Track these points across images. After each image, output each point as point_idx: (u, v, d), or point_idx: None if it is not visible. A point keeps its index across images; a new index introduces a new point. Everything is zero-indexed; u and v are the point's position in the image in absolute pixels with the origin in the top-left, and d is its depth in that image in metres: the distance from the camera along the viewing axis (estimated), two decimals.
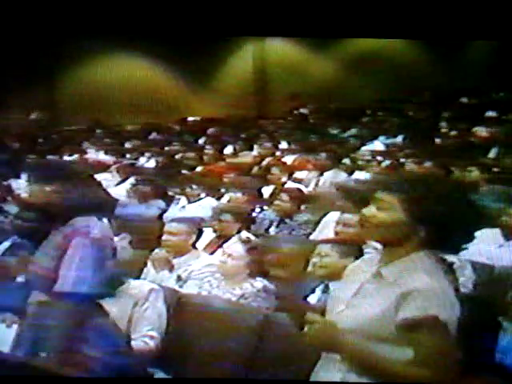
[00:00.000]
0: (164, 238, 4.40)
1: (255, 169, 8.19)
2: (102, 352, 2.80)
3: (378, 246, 2.32)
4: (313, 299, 3.74)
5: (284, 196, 5.66)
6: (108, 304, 3.32)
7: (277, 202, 5.65)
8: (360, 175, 7.18)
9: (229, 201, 6.12)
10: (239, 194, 5.98)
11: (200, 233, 4.53)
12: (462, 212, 2.16)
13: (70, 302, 2.74)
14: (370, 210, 2.18)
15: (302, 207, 5.87)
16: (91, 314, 2.82)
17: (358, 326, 2.11)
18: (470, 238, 2.21)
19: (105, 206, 2.98)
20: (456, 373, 2.09)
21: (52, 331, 2.74)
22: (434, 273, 2.12)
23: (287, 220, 5.52)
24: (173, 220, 4.62)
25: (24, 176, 6.27)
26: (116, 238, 3.10)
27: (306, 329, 2.14)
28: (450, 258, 3.84)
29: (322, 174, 7.39)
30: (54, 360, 2.68)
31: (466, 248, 2.23)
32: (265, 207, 5.85)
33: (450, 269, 2.25)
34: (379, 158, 8.10)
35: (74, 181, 2.92)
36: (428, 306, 2.04)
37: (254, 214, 5.64)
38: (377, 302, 2.12)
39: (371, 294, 2.16)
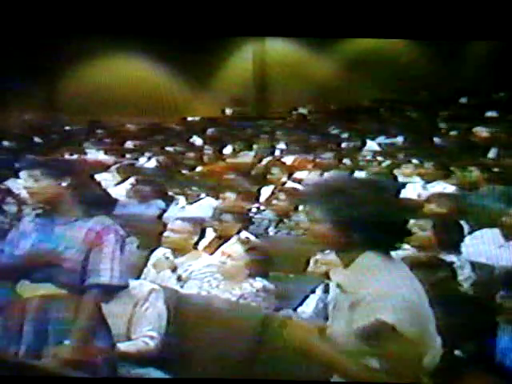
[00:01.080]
0: (166, 234, 4.41)
1: (255, 169, 8.18)
2: (107, 344, 2.90)
3: None
4: (312, 300, 3.74)
5: (281, 196, 5.65)
6: (108, 304, 3.34)
7: (274, 202, 5.64)
8: (360, 175, 7.18)
9: (228, 201, 6.12)
10: (239, 195, 5.97)
11: (203, 233, 4.54)
12: (383, 210, 2.14)
13: (107, 293, 2.90)
14: (306, 224, 2.24)
15: (300, 207, 5.86)
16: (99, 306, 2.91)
17: (337, 342, 2.11)
18: (403, 233, 2.20)
19: (107, 204, 3.08)
20: (429, 377, 2.06)
21: (67, 323, 2.80)
22: (378, 273, 2.09)
23: (286, 220, 5.51)
24: (178, 218, 4.62)
25: (29, 172, 6.27)
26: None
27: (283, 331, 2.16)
28: (450, 257, 3.87)
29: (322, 174, 7.38)
30: (70, 348, 2.73)
31: (401, 245, 2.21)
32: (262, 207, 5.84)
33: (398, 262, 2.22)
34: (379, 158, 8.10)
35: (81, 178, 3.03)
36: (371, 312, 2.00)
37: (252, 215, 5.63)
38: (341, 316, 2.12)
39: (338, 308, 2.17)
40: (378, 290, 2.04)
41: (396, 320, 1.97)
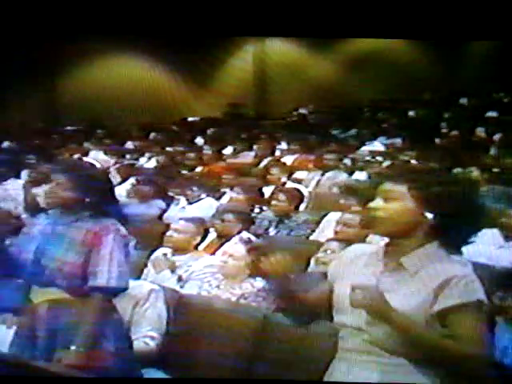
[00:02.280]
0: (168, 233, 4.41)
1: (255, 169, 8.18)
2: (120, 346, 2.86)
3: (381, 241, 2.32)
4: None
5: (281, 196, 5.65)
6: None
7: (274, 202, 5.64)
8: (360, 175, 7.18)
9: (229, 201, 6.12)
10: (239, 195, 5.98)
11: (206, 235, 4.54)
12: (468, 203, 2.19)
13: (107, 296, 2.83)
14: (378, 203, 2.19)
15: (301, 207, 5.86)
16: (110, 309, 2.88)
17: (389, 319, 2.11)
18: (474, 231, 2.23)
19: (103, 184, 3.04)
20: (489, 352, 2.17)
21: (73, 327, 2.77)
22: (456, 262, 2.16)
23: (286, 220, 5.51)
24: (182, 218, 4.62)
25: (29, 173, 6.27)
26: None
27: (351, 294, 2.13)
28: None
29: (323, 174, 7.39)
30: (76, 353, 2.70)
31: (470, 242, 2.23)
32: (264, 208, 5.84)
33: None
34: (379, 158, 8.10)
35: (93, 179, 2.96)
36: (472, 291, 2.08)
37: (253, 215, 5.63)
38: (405, 296, 2.12)
39: (395, 289, 2.15)
40: (469, 273, 2.13)
41: (486, 300, 2.13)
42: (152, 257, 4.35)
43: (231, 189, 6.35)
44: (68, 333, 2.76)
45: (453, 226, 2.15)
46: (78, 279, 2.81)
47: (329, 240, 4.23)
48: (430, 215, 2.14)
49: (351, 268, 2.30)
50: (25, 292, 2.89)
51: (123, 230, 2.89)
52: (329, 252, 3.84)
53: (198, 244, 4.47)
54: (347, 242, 3.87)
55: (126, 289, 2.90)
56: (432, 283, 2.11)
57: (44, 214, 2.99)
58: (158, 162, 8.69)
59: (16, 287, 2.98)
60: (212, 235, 4.89)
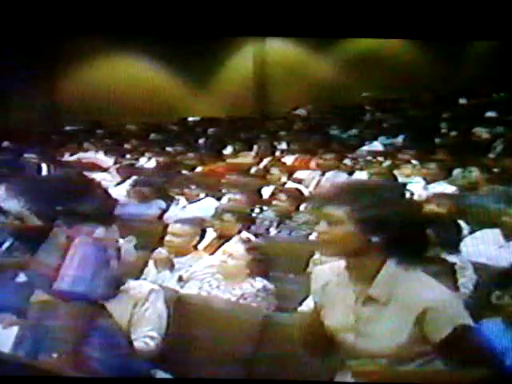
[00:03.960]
0: (167, 238, 4.40)
1: (255, 169, 8.18)
2: (105, 353, 2.80)
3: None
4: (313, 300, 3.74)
5: (282, 196, 5.65)
6: (108, 304, 3.33)
7: (275, 203, 5.64)
8: (360, 175, 7.18)
9: (229, 201, 6.12)
10: (239, 195, 5.97)
11: (203, 234, 4.53)
12: (408, 214, 2.15)
13: (70, 301, 2.74)
14: (323, 227, 2.17)
15: (301, 207, 5.86)
16: (94, 314, 2.83)
17: (387, 354, 2.10)
18: (425, 242, 2.20)
19: (104, 207, 2.97)
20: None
21: (56, 331, 2.74)
22: (421, 280, 2.12)
23: (287, 220, 5.51)
24: (177, 221, 4.61)
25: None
26: (121, 240, 3.10)
27: (350, 363, 2.12)
28: (452, 258, 3.86)
29: (323, 174, 7.39)
30: (58, 360, 2.67)
31: (425, 255, 2.19)
32: (264, 208, 5.84)
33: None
34: (380, 158, 8.10)
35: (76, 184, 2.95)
36: (449, 320, 2.05)
37: (253, 215, 5.63)
38: (390, 329, 2.10)
39: (376, 320, 2.13)
40: (440, 298, 2.09)
41: (468, 320, 2.08)
42: (153, 255, 4.35)
43: (231, 189, 6.35)
44: (52, 337, 2.73)
45: (400, 245, 2.11)
46: (52, 282, 2.77)
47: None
48: (374, 238, 2.10)
49: (326, 295, 2.27)
50: (26, 293, 2.89)
51: (99, 232, 2.81)
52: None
53: (197, 244, 4.47)
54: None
55: (81, 295, 2.76)
56: (409, 317, 2.08)
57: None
58: (158, 162, 8.70)
59: (16, 288, 2.99)
60: (212, 235, 4.89)
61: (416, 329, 2.07)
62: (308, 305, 3.72)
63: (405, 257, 2.13)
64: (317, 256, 3.92)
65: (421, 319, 2.06)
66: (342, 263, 2.22)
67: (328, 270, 2.31)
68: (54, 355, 2.68)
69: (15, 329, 3.01)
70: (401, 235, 2.10)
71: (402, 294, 2.10)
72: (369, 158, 8.11)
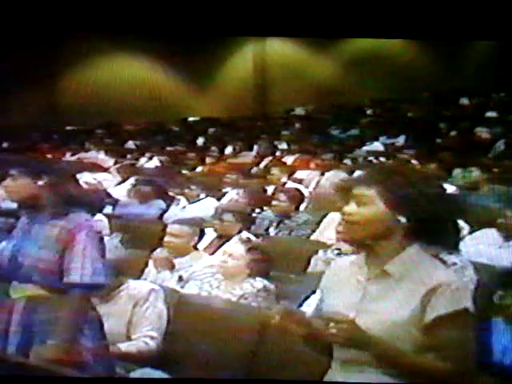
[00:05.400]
0: (166, 239, 4.39)
1: (255, 169, 8.19)
2: (97, 344, 2.87)
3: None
4: (314, 300, 3.74)
5: (282, 196, 5.65)
6: (108, 304, 3.34)
7: (275, 203, 5.64)
8: None
9: (229, 201, 6.13)
10: (239, 195, 5.98)
11: (202, 234, 4.53)
12: (439, 200, 2.14)
13: (83, 292, 2.83)
14: (351, 207, 2.16)
15: (301, 207, 5.86)
16: (87, 306, 2.89)
17: (380, 332, 2.07)
18: (454, 232, 2.20)
19: (91, 201, 3.05)
20: (472, 362, 2.09)
21: (50, 324, 2.78)
22: (441, 266, 2.14)
23: (286, 220, 5.51)
24: (175, 222, 4.61)
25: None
26: (106, 238, 3.15)
27: (332, 329, 2.06)
28: (452, 258, 3.86)
29: (323, 174, 7.39)
30: (52, 351, 2.72)
31: (452, 244, 2.22)
32: (264, 208, 5.85)
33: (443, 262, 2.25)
34: (381, 158, 8.10)
35: (60, 178, 3.00)
36: (458, 299, 2.05)
37: (253, 215, 5.63)
38: (394, 305, 2.09)
39: (382, 297, 2.12)
40: (454, 280, 2.09)
41: (473, 308, 2.07)
42: (153, 255, 4.35)
43: (231, 189, 6.35)
44: (45, 328, 2.79)
45: (429, 228, 2.11)
46: (53, 276, 2.84)
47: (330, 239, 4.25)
48: (403, 219, 2.10)
49: (337, 280, 2.27)
50: (4, 287, 2.91)
51: (98, 225, 2.95)
52: (329, 252, 3.84)
53: (197, 243, 4.47)
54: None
55: (103, 285, 2.92)
56: (418, 291, 2.07)
57: (25, 213, 3.01)
58: (158, 161, 8.70)
59: None
60: (212, 235, 4.89)
61: (420, 305, 2.05)
62: (308, 305, 3.73)
63: (431, 243, 2.14)
64: (321, 254, 3.92)
65: (430, 293, 2.05)
66: (361, 253, 2.22)
67: (347, 261, 2.31)
68: (50, 342, 2.73)
69: None
70: (430, 218, 2.10)
71: (418, 271, 2.10)
72: (370, 158, 8.11)
